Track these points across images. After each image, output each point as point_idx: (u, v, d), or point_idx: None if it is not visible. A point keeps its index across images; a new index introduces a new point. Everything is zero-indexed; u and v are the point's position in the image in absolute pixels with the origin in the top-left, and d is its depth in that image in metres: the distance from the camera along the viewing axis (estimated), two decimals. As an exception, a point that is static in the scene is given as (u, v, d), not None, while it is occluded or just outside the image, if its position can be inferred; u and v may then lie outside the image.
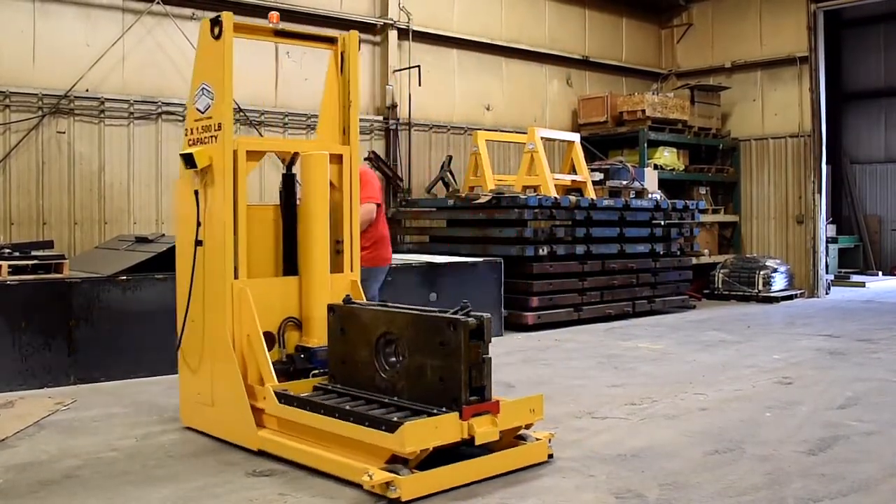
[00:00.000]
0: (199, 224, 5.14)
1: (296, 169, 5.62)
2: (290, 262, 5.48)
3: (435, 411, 4.29)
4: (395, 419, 4.22)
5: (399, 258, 9.82)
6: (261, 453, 4.80)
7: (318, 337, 5.29)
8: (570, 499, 4.14)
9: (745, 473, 4.53)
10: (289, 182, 5.57)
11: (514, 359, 8.35)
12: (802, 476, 4.48)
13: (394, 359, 4.66)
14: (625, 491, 4.24)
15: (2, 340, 6.68)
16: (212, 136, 5.10)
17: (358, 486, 4.14)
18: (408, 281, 9.11)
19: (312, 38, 5.90)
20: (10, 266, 6.97)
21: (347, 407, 4.50)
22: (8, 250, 7.42)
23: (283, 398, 4.75)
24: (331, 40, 5.81)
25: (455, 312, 4.38)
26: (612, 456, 4.86)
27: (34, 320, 6.81)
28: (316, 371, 5.19)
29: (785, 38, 14.99)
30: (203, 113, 5.15)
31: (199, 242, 5.16)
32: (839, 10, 16.66)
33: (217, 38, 5.15)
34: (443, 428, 4.20)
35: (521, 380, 7.18)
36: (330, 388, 4.89)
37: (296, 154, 5.58)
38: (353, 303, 4.94)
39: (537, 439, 4.69)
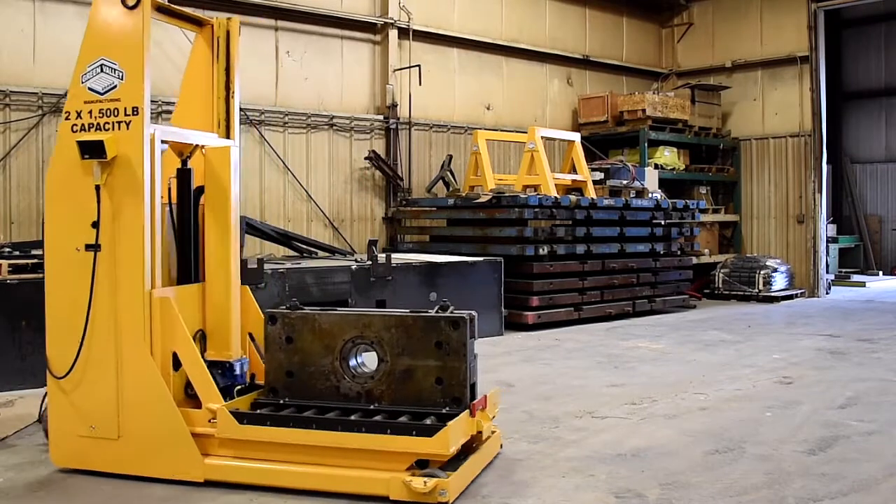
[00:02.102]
0: (97, 225, 4.36)
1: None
2: (185, 269, 4.87)
3: (444, 412, 4.28)
4: (427, 423, 4.17)
5: (399, 258, 9.83)
6: (207, 484, 4.26)
7: (232, 350, 4.80)
8: (570, 498, 4.14)
9: (746, 473, 4.53)
10: (184, 177, 4.92)
11: (514, 358, 8.34)
12: (803, 475, 4.48)
13: (366, 364, 4.47)
14: (625, 491, 4.24)
15: (2, 340, 6.68)
16: (120, 122, 4.36)
17: (374, 498, 4.02)
18: (408, 280, 9.11)
19: (181, 17, 5.15)
20: (10, 265, 6.96)
21: (353, 418, 4.26)
22: (8, 249, 7.42)
23: (248, 418, 4.30)
24: (199, 23, 5.20)
25: (437, 312, 4.38)
26: (613, 455, 4.86)
27: (34, 320, 6.79)
28: (240, 387, 4.75)
29: (785, 38, 14.99)
30: (102, 94, 4.38)
31: (95, 247, 4.37)
32: (839, 9, 16.68)
33: (132, 7, 4.43)
34: (467, 426, 4.28)
35: (521, 379, 7.18)
36: (280, 402, 4.50)
37: (196, 147, 4.97)
38: (302, 308, 4.58)
39: (493, 431, 4.72)
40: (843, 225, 19.51)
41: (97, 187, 4.37)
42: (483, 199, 10.91)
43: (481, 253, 10.51)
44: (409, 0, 12.28)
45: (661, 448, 5.02)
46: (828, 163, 15.29)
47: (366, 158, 11.84)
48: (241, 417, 4.28)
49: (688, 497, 4.15)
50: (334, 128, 11.68)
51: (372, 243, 9.33)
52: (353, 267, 8.73)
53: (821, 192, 14.69)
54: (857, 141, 19.94)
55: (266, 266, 8.23)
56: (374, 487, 4.04)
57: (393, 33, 12.15)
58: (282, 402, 4.49)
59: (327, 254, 10.30)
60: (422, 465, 4.09)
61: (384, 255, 9.22)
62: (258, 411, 4.44)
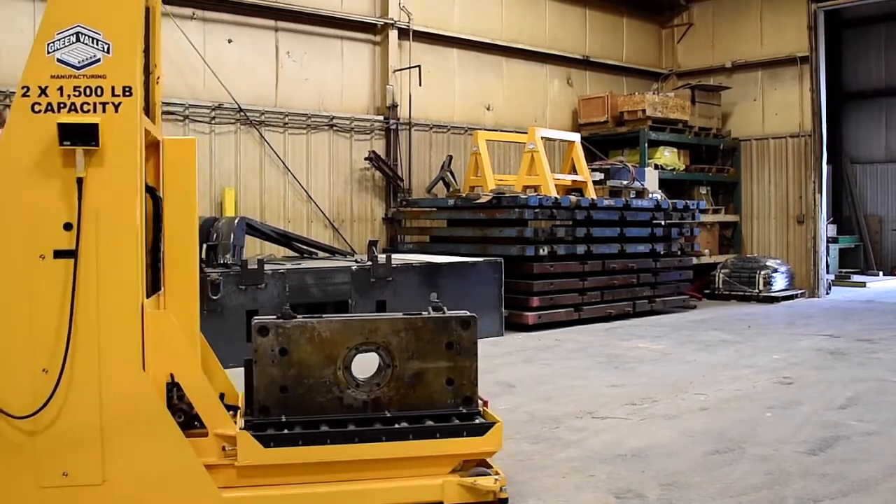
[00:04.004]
0: (78, 227, 3.59)
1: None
2: (155, 278, 4.28)
3: (464, 411, 4.25)
4: (477, 422, 4.15)
5: (399, 258, 9.83)
6: None
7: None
8: (570, 499, 4.14)
9: (746, 473, 4.53)
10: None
11: (514, 358, 8.35)
12: (803, 476, 4.48)
13: (377, 371, 4.26)
14: (625, 491, 4.24)
15: None
16: (105, 104, 3.65)
17: None
18: (408, 281, 9.12)
19: None
20: None
21: (399, 426, 4.09)
22: None
23: (275, 440, 3.90)
24: None
25: (430, 312, 4.37)
26: (613, 456, 4.86)
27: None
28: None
29: (785, 38, 14.99)
30: (79, 68, 3.64)
31: (71, 253, 3.58)
32: (839, 9, 16.67)
33: None
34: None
35: (521, 380, 7.18)
36: (280, 420, 4.03)
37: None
38: (294, 315, 4.17)
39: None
40: (844, 225, 19.50)
41: (79, 180, 3.59)
42: (483, 199, 10.91)
43: (481, 253, 10.52)
44: (408, 0, 12.28)
45: (661, 448, 5.02)
46: (828, 163, 15.28)
47: (366, 159, 11.84)
48: (266, 440, 3.87)
49: (688, 497, 4.15)
50: (334, 128, 11.68)
51: (372, 244, 9.34)
52: (354, 268, 8.74)
53: (821, 192, 14.69)
54: (857, 141, 19.93)
55: (266, 267, 8.24)
56: (428, 494, 3.93)
57: (393, 34, 12.16)
58: (283, 419, 4.04)
59: (327, 254, 10.30)
60: (463, 465, 4.09)
61: (384, 255, 9.23)
62: (269, 432, 3.98)
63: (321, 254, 10.28)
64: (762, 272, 13.97)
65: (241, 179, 10.76)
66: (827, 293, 14.76)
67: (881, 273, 18.58)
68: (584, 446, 5.08)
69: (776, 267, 14.22)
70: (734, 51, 15.77)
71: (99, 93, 3.66)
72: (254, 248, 10.24)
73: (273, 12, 11.06)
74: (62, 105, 3.65)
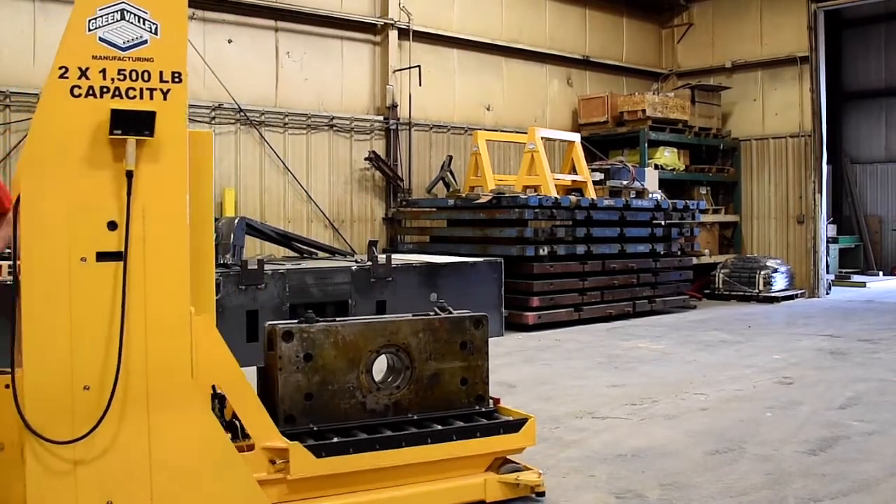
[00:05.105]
0: (127, 225, 3.23)
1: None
2: None
3: (482, 409, 4.29)
4: (493, 422, 4.19)
5: (399, 258, 9.82)
6: None
7: None
8: (570, 499, 4.14)
9: (746, 473, 4.53)
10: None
11: (514, 359, 8.34)
12: (803, 476, 4.48)
13: (394, 373, 4.21)
14: (625, 491, 4.24)
15: (2, 340, 6.67)
16: (153, 90, 3.28)
17: None
18: (408, 281, 9.11)
19: None
20: (10, 266, 6.96)
21: (438, 428, 4.06)
22: (8, 250, 7.42)
23: (325, 449, 3.74)
24: None
25: (437, 312, 4.37)
26: (613, 456, 4.86)
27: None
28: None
29: (785, 38, 14.99)
30: (124, 49, 3.26)
31: (117, 255, 3.23)
32: (839, 9, 16.68)
33: None
34: None
35: (521, 379, 7.18)
36: (311, 429, 3.88)
37: None
38: (316, 318, 4.01)
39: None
40: (844, 225, 19.50)
41: (129, 174, 3.23)
42: (483, 199, 10.91)
43: (481, 253, 10.51)
44: (408, 0, 12.28)
45: (661, 448, 5.02)
46: (828, 163, 15.29)
47: (366, 159, 11.84)
48: (317, 450, 3.71)
49: (688, 497, 4.15)
50: (334, 128, 11.68)
51: (372, 244, 9.34)
52: (354, 268, 8.73)
53: (821, 192, 14.69)
54: (857, 141, 19.93)
55: (266, 267, 8.23)
56: (472, 493, 3.96)
57: (393, 34, 12.16)
58: (313, 428, 3.89)
59: (327, 254, 10.30)
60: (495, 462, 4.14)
61: (384, 255, 9.23)
62: (310, 442, 3.83)
63: (321, 254, 10.28)
64: (762, 272, 13.97)
65: (240, 179, 10.76)
66: (827, 293, 14.76)
67: (881, 273, 18.58)
68: (584, 446, 5.07)
69: (776, 267, 14.22)
70: (734, 51, 15.77)
71: (146, 77, 3.30)
72: (254, 248, 10.24)
73: (273, 12, 11.06)
74: (105, 90, 3.24)
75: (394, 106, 12.13)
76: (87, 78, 3.21)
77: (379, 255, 9.04)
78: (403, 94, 12.21)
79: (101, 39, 3.24)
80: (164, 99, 3.30)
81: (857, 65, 19.78)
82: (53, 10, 9.16)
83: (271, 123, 11.06)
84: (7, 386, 3.18)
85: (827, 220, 15.47)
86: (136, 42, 3.28)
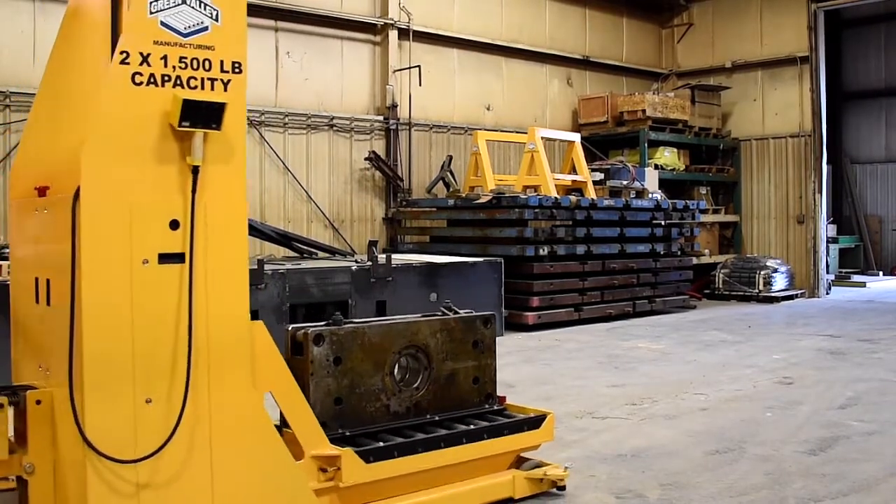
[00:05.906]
0: (192, 225, 3.04)
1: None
2: None
3: (493, 408, 4.33)
4: (518, 419, 4.26)
5: (399, 258, 9.83)
6: None
7: None
8: (570, 499, 4.14)
9: (746, 473, 4.53)
10: None
11: (514, 358, 8.34)
12: (803, 476, 4.48)
13: (411, 375, 4.13)
14: (625, 491, 4.24)
15: (3, 341, 6.66)
16: (214, 80, 3.12)
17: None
18: (408, 281, 9.11)
19: None
20: (9, 266, 6.96)
21: (466, 427, 4.07)
22: (8, 250, 7.42)
23: (373, 454, 3.67)
24: None
25: (444, 312, 4.38)
26: (613, 456, 4.86)
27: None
28: None
29: (785, 38, 14.99)
30: (185, 36, 3.05)
31: (180, 257, 3.03)
32: (839, 9, 16.69)
33: None
34: None
35: (521, 379, 7.18)
36: (338, 435, 3.78)
37: None
38: (342, 320, 3.92)
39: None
40: (843, 225, 19.50)
41: (195, 169, 3.03)
42: (483, 199, 10.91)
43: (481, 253, 10.51)
44: (408, 0, 12.28)
45: (661, 448, 5.02)
46: (828, 163, 15.29)
47: (366, 159, 11.84)
48: (366, 456, 3.63)
49: (688, 497, 4.15)
50: (334, 128, 11.68)
51: (372, 244, 9.34)
52: (354, 268, 8.73)
53: (821, 192, 14.70)
54: (857, 141, 19.94)
55: (266, 267, 8.23)
56: (503, 491, 4.01)
57: (393, 34, 12.16)
58: (345, 433, 3.79)
59: (327, 254, 10.30)
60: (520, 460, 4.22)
61: (384, 255, 9.23)
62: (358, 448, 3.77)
63: (321, 254, 10.28)
64: (762, 272, 13.97)
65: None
66: (827, 293, 14.76)
67: (881, 273, 18.58)
68: (584, 446, 5.08)
69: (776, 267, 14.22)
70: (734, 51, 15.77)
71: (207, 66, 3.09)
72: (254, 248, 10.24)
73: (273, 12, 11.05)
74: (166, 78, 3.01)
75: (394, 106, 12.13)
76: (149, 65, 2.97)
77: (379, 255, 9.04)
78: (403, 94, 12.21)
79: (162, 23, 3.01)
80: (225, 90, 3.14)
81: (857, 65, 19.78)
82: (53, 10, 9.16)
83: (271, 123, 11.06)
84: (38, 402, 3.00)
85: (827, 220, 15.48)
86: (197, 28, 3.07)
